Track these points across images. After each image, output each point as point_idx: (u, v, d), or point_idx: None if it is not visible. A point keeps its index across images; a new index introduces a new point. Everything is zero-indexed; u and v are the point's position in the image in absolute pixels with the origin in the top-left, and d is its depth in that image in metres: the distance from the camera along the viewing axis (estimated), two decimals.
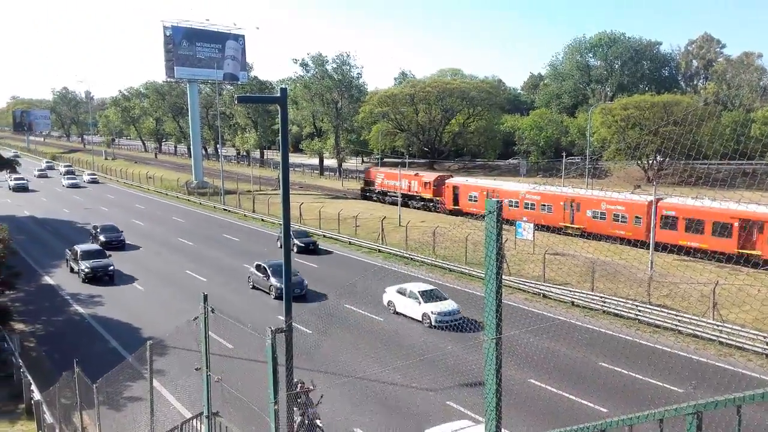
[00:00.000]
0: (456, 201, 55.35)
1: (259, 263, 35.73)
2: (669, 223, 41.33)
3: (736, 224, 38.40)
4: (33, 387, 20.92)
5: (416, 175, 66.53)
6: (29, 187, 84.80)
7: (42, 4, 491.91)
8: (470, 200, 56.99)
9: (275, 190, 77.50)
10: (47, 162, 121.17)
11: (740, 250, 37.76)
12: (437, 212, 60.24)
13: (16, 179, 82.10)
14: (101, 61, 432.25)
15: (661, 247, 36.21)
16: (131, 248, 47.50)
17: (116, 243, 46.75)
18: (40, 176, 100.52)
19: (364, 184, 74.69)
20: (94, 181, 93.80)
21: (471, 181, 61.01)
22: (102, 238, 46.53)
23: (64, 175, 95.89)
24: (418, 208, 62.50)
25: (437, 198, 61.83)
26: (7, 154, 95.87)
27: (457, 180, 59.91)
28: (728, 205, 37.98)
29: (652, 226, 34.77)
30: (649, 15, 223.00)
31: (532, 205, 50.48)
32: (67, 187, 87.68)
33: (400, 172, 62.40)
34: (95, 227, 49.00)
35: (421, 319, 28.91)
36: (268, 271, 34.25)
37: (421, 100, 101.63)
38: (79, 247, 39.76)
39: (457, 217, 54.42)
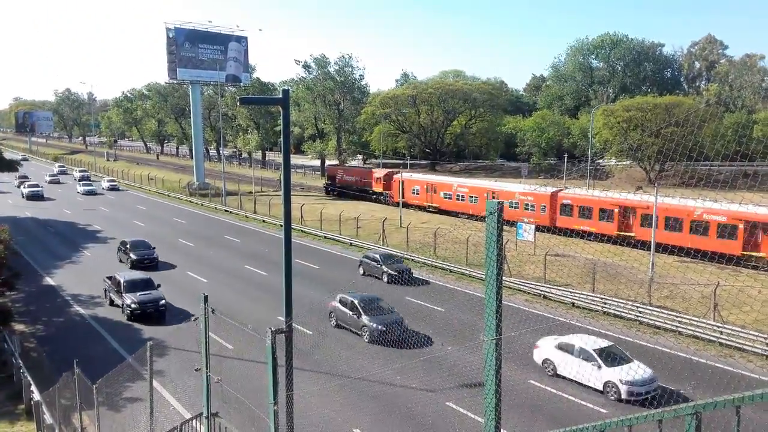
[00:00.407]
0: (402, 194, 58.54)
1: (345, 297, 28.54)
2: (566, 210, 49.14)
3: (616, 210, 45.58)
4: (33, 388, 20.93)
5: (370, 171, 74.60)
6: (44, 195, 77.04)
7: (44, 6, 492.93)
8: (413, 193, 63.87)
9: (276, 191, 77.55)
10: (60, 166, 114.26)
11: (619, 232, 44.61)
12: (387, 204, 66.11)
13: (30, 186, 76.67)
14: (103, 63, 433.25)
15: (561, 231, 43.63)
16: None
17: (149, 262, 41.58)
18: (52, 182, 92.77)
19: (327, 180, 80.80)
20: (114, 188, 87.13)
21: (414, 176, 67.14)
22: (133, 256, 41.66)
23: (79, 181, 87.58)
24: (371, 201, 69.14)
25: (387, 192, 67.77)
26: (15, 156, 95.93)
27: (404, 175, 63.60)
28: (611, 195, 48.03)
29: (653, 228, 34.69)
30: (651, 17, 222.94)
31: (462, 197, 58.69)
32: (83, 194, 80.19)
33: (356, 169, 71.02)
34: (124, 243, 43.78)
35: (603, 390, 21.38)
36: (359, 307, 27.34)
37: (423, 102, 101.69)
38: (122, 277, 32.85)
39: (407, 209, 59.35)
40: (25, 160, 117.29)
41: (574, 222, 48.22)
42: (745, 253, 37.46)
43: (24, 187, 77.43)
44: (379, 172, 71.68)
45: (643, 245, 40.10)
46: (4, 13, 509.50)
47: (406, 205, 59.18)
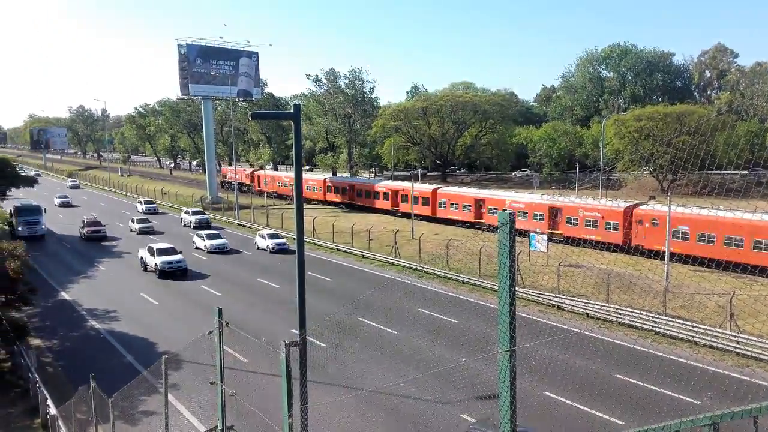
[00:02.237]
0: (259, 185, 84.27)
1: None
2: (444, 204, 61.87)
3: (471, 203, 59.14)
4: (49, 402, 21.03)
5: (243, 170, 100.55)
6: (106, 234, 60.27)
7: (57, 25, 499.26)
8: (264, 183, 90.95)
9: (288, 204, 77.81)
10: (72, 181, 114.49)
11: (475, 219, 58.09)
12: (252, 194, 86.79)
13: (90, 226, 58.94)
14: (116, 79, 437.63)
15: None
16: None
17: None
18: (62, 204, 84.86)
19: (222, 177, 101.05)
20: (151, 211, 77.00)
21: (268, 172, 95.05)
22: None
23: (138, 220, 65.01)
24: (244, 192, 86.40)
25: (251, 183, 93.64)
26: (29, 173, 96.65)
27: (260, 172, 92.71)
28: (474, 191, 63.51)
29: (667, 238, 34.48)
30: (660, 26, 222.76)
31: (314, 187, 76.10)
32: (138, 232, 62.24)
33: (235, 169, 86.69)
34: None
35: None
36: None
37: (434, 114, 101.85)
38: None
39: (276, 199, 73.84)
40: (38, 175, 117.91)
41: (447, 213, 54.93)
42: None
43: (85, 229, 59.75)
44: (248, 170, 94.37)
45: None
46: (19, 33, 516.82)
47: (263, 193, 65.92)
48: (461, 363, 23.31)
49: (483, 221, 56.71)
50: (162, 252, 43.63)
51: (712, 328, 27.19)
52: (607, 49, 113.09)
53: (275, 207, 73.64)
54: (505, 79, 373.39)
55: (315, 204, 79.10)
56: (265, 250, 51.39)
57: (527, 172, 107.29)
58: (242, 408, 13.90)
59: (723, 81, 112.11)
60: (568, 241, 45.74)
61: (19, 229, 56.03)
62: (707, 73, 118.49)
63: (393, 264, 45.06)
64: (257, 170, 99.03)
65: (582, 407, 21.17)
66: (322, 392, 20.77)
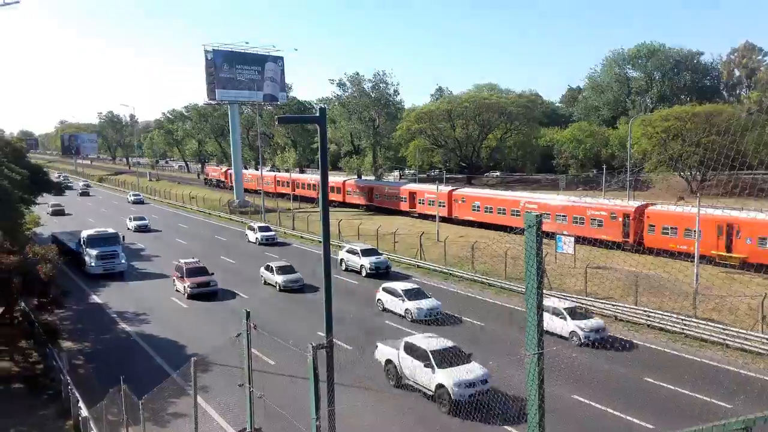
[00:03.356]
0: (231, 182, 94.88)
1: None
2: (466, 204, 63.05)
3: (406, 196, 71.20)
4: (80, 404, 21.34)
5: (220, 169, 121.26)
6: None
7: (87, 32, 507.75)
8: (211, 173, 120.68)
9: (314, 207, 78.19)
10: (134, 194, 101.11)
11: (409, 209, 69.70)
12: (225, 189, 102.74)
13: (194, 276, 40.78)
14: (145, 85, 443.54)
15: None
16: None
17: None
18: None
19: (206, 176, 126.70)
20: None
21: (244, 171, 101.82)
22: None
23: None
24: (221, 188, 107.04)
25: (225, 180, 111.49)
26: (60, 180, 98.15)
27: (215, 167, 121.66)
28: (487, 192, 66.65)
29: (696, 239, 33.92)
30: (688, 25, 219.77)
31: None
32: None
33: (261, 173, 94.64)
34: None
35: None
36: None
37: (458, 116, 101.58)
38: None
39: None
40: (66, 179, 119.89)
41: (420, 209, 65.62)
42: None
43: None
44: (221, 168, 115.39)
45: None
46: (51, 40, 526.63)
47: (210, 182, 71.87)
48: (489, 366, 23.17)
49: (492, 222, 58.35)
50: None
51: (744, 331, 26.74)
52: (634, 48, 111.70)
53: (301, 210, 74.02)
54: (530, 80, 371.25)
55: (333, 207, 79.46)
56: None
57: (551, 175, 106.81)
58: (270, 410, 14.02)
59: (753, 80, 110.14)
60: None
61: (91, 264, 44.61)
62: (736, 72, 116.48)
63: (419, 266, 45.01)
64: (230, 169, 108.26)
65: (611, 411, 20.94)
66: (349, 394, 20.84)
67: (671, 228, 43.63)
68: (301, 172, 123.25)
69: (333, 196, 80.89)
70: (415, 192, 71.39)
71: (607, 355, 25.77)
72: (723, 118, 69.39)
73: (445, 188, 67.49)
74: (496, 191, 69.39)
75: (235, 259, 50.68)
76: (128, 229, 65.18)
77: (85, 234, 46.94)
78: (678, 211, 43.33)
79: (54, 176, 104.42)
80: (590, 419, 20.42)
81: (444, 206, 63.71)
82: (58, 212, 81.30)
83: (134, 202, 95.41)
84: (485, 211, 60.76)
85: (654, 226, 45.32)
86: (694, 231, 35.63)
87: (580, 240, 41.72)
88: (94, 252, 45.17)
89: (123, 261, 45.89)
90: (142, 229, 66.09)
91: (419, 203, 69.33)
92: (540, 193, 68.58)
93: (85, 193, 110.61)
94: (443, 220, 60.87)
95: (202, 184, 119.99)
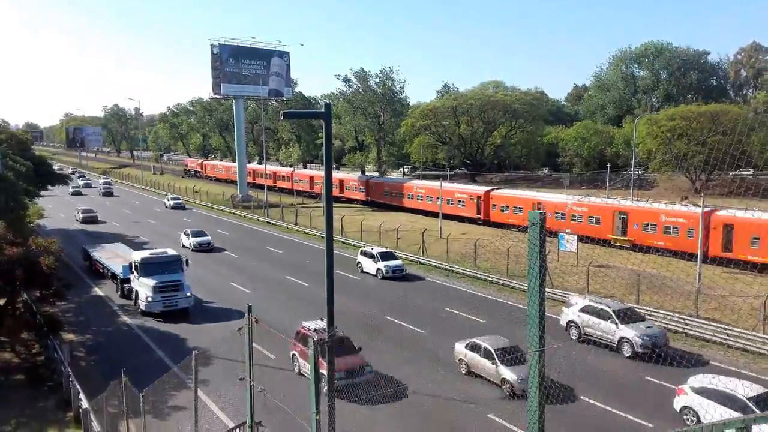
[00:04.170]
0: (205, 172, 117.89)
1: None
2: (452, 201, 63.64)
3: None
4: (81, 396, 21.41)
5: (195, 160, 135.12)
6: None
7: (92, 25, 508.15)
8: (208, 170, 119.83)
9: (317, 203, 78.21)
10: (174, 199, 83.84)
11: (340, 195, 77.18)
12: (201, 178, 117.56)
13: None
14: (150, 79, 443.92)
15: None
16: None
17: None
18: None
19: (185, 167, 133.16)
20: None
21: (214, 162, 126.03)
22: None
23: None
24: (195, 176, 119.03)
25: (200, 170, 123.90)
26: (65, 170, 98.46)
27: (207, 162, 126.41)
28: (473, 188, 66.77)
29: (699, 238, 33.85)
30: (695, 25, 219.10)
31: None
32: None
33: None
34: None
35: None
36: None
37: (463, 113, 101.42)
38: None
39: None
40: (73, 173, 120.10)
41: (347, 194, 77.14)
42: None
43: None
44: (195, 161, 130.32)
45: None
46: (55, 34, 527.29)
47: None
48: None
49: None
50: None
51: (746, 331, 26.68)
52: (641, 47, 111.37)
53: (304, 206, 74.05)
54: (536, 78, 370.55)
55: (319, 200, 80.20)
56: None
57: (546, 170, 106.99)
58: (270, 404, 14.02)
59: (759, 80, 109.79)
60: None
61: (149, 300, 33.38)
62: (743, 72, 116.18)
63: (421, 263, 45.00)
64: (205, 161, 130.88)
65: (612, 410, 20.91)
66: (350, 391, 20.83)
67: (505, 206, 58.33)
68: (305, 167, 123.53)
69: (354, 195, 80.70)
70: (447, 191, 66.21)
71: (609, 354, 25.69)
72: (729, 118, 69.17)
73: (480, 188, 65.50)
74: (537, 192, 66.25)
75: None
76: (184, 246, 52.35)
77: (138, 257, 35.03)
78: (509, 194, 59.92)
79: (70, 174, 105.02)
80: (591, 418, 20.38)
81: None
82: (90, 219, 66.81)
83: (173, 207, 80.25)
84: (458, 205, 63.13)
85: (495, 205, 59.54)
86: (520, 208, 55.68)
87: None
88: (151, 282, 33.52)
89: (188, 294, 34.22)
90: (204, 248, 51.85)
91: (448, 203, 62.94)
92: (543, 192, 68.43)
93: (108, 193, 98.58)
94: (475, 222, 60.31)
95: (205, 178, 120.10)
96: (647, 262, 37.59)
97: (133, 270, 35.48)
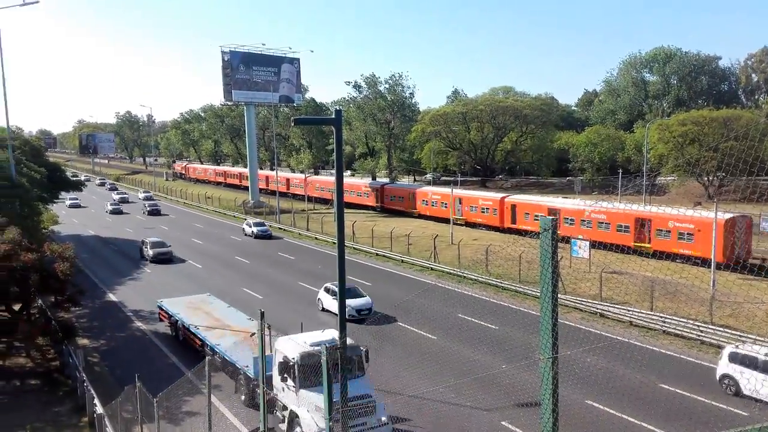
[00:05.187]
0: (188, 173, 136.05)
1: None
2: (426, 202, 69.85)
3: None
4: (96, 401, 21.53)
5: (181, 164, 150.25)
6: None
7: (104, 33, 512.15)
8: (190, 172, 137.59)
9: (329, 209, 78.38)
10: (257, 224, 63.98)
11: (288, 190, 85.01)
12: (186, 180, 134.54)
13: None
14: (162, 85, 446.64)
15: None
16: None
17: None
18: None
19: (174, 171, 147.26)
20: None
21: (196, 165, 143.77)
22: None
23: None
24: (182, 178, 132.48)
25: (183, 172, 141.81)
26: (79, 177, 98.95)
27: (191, 165, 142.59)
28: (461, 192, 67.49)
29: (713, 246, 33.68)
30: (705, 30, 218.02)
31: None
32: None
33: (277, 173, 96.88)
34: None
35: None
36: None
37: (474, 119, 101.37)
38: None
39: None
40: (102, 183, 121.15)
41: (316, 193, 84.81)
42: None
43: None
44: (180, 164, 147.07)
45: None
46: (69, 42, 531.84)
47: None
48: (502, 369, 23.14)
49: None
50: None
51: (761, 338, 26.45)
52: (651, 52, 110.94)
53: (315, 211, 74.24)
54: (546, 83, 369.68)
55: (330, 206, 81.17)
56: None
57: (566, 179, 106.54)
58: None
59: None
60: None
61: None
62: (754, 77, 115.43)
63: (432, 269, 44.98)
64: (188, 164, 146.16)
65: (625, 417, 20.81)
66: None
67: (434, 202, 68.35)
68: (316, 173, 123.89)
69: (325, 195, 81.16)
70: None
71: (622, 361, 25.58)
72: (741, 124, 68.78)
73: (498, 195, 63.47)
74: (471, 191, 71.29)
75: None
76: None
77: (295, 352, 19.41)
78: (438, 190, 70.55)
79: (97, 182, 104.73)
80: (604, 425, 20.28)
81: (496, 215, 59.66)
82: (163, 257, 49.79)
83: (258, 236, 61.34)
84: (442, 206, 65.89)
85: (426, 201, 70.11)
86: (444, 203, 64.76)
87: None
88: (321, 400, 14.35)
89: (384, 419, 19.33)
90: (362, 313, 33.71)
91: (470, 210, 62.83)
92: (553, 196, 68.20)
93: (154, 212, 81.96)
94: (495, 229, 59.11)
95: (216, 184, 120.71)
96: (660, 268, 37.39)
97: (283, 372, 19.94)
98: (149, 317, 34.63)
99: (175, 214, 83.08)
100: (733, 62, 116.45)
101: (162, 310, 32.02)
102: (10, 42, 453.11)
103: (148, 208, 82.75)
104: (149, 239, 52.18)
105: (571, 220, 50.26)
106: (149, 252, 50.28)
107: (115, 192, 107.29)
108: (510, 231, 57.11)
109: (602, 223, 48.09)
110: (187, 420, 21.20)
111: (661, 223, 44.02)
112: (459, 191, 66.95)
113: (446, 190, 67.05)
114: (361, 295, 33.89)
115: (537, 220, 51.28)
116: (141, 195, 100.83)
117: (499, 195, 62.82)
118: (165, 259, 50.06)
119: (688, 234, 42.43)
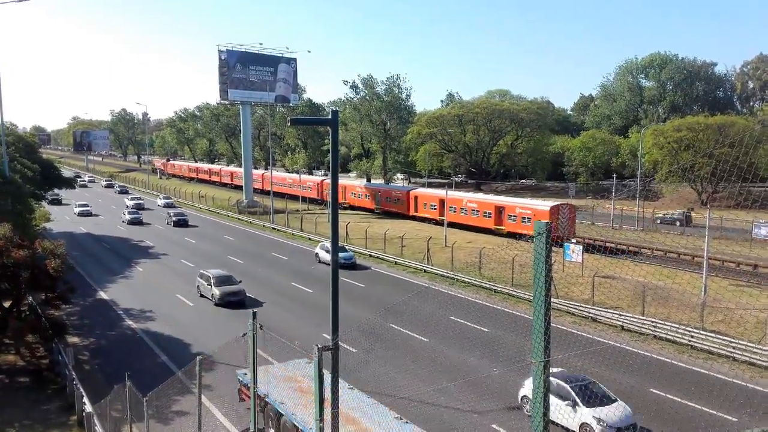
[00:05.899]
0: (166, 170, 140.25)
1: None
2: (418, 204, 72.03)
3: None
4: (85, 399, 21.39)
5: (162, 161, 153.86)
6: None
7: (99, 30, 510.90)
8: (169, 168, 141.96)
9: (323, 209, 78.27)
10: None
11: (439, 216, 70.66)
12: (164, 176, 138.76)
13: None
14: (157, 83, 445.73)
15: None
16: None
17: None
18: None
19: (161, 168, 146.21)
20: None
21: (175, 161, 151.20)
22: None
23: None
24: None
25: (163, 169, 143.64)
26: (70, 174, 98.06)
27: (171, 161, 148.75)
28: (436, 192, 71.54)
29: (705, 253, 33.72)
30: (702, 36, 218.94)
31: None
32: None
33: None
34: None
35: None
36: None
37: (469, 122, 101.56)
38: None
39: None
40: (109, 185, 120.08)
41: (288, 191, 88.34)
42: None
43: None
44: (160, 160, 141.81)
45: None
46: (63, 39, 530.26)
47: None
48: (493, 373, 23.11)
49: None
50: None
51: (752, 344, 26.52)
52: (647, 58, 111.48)
53: (309, 212, 74.11)
54: (542, 87, 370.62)
55: (315, 205, 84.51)
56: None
57: (524, 181, 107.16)
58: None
59: (766, 92, 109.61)
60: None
61: None
62: (750, 84, 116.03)
63: (425, 271, 44.94)
64: (168, 161, 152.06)
65: None
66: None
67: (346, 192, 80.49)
68: (310, 173, 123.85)
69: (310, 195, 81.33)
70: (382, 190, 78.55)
71: (613, 366, 25.60)
72: (736, 130, 69.11)
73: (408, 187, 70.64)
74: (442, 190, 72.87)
75: None
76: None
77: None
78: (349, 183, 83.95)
79: (104, 183, 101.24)
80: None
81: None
82: (233, 299, 36.52)
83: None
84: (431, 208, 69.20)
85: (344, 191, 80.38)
86: (357, 194, 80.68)
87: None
88: None
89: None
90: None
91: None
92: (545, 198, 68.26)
93: (181, 222, 70.04)
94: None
95: (210, 183, 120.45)
96: (653, 273, 37.44)
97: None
98: (140, 316, 34.49)
99: (198, 222, 74.09)
100: (729, 69, 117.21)
101: (246, 387, 19.22)
102: (4, 37, 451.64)
103: (174, 218, 69.98)
104: (212, 272, 38.48)
105: (453, 207, 62.15)
106: (214, 291, 36.45)
107: (128, 197, 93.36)
108: (414, 218, 69.34)
109: (475, 210, 61.39)
110: (177, 419, 21.09)
111: (511, 210, 57.07)
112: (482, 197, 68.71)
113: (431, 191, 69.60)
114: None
115: (433, 208, 67.19)
116: (161, 201, 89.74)
117: (407, 187, 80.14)
118: (237, 301, 36.30)
119: (528, 218, 54.75)
